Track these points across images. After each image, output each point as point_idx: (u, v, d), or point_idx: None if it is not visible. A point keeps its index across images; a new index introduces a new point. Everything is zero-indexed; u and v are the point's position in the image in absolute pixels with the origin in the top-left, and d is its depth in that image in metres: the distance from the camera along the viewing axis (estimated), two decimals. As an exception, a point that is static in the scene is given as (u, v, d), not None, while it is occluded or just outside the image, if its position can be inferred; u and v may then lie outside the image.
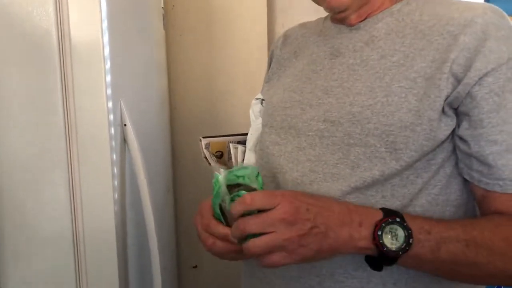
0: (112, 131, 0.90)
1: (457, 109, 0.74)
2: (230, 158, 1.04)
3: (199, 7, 1.78)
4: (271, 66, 1.02)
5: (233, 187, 0.70)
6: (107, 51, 0.87)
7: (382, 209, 0.71)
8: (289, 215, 0.65)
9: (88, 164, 0.89)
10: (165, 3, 1.71)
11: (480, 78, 0.71)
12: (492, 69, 0.71)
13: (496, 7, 0.76)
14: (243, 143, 1.01)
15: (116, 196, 0.92)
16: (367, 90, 0.77)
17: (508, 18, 0.76)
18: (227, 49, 1.79)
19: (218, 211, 0.72)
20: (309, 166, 0.80)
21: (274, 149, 0.86)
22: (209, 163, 1.06)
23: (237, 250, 0.74)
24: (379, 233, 0.67)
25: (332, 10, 0.85)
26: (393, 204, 0.75)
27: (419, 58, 0.76)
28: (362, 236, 0.68)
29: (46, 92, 0.86)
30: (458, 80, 0.72)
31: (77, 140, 0.88)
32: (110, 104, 0.88)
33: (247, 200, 0.66)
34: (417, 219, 0.71)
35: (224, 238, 0.73)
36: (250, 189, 0.69)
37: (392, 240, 0.68)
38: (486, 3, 0.78)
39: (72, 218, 0.90)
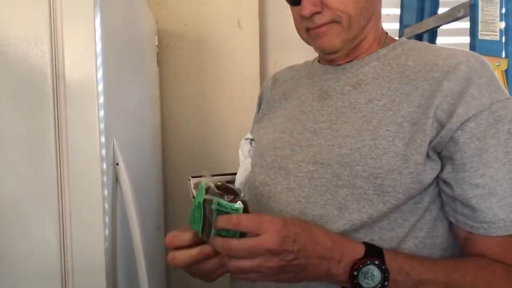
0: (104, 169, 0.90)
1: (440, 153, 0.76)
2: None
3: (192, 45, 1.81)
4: (261, 107, 1.04)
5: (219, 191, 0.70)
6: (101, 91, 0.88)
7: (365, 244, 0.72)
8: (275, 246, 0.65)
9: (79, 201, 0.89)
10: (159, 41, 1.74)
11: (462, 124, 0.73)
12: (474, 115, 0.73)
13: (478, 55, 0.80)
14: (232, 183, 1.01)
15: (107, 233, 0.92)
16: (355, 133, 0.79)
17: (489, 64, 0.79)
18: (220, 87, 1.82)
19: (199, 213, 0.71)
20: (299, 208, 0.80)
21: (264, 189, 0.86)
22: None
23: (213, 253, 0.73)
24: (355, 273, 0.69)
25: (323, 52, 0.87)
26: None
27: (405, 103, 0.78)
28: (339, 272, 0.70)
29: (39, 131, 0.86)
30: (441, 125, 0.74)
31: (69, 178, 0.88)
32: (102, 144, 0.88)
33: (233, 220, 0.66)
34: (399, 259, 0.72)
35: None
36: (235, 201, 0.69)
37: (367, 280, 0.69)
38: (468, 51, 0.81)
39: (61, 254, 0.89)
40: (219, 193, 0.69)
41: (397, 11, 1.85)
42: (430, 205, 0.78)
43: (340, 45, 0.84)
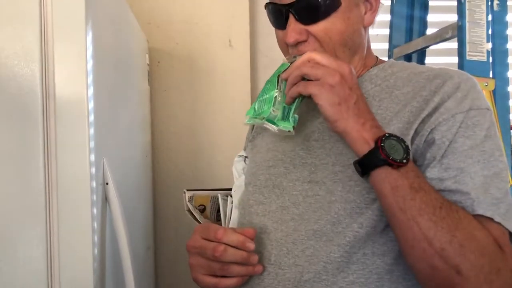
0: (94, 189, 0.89)
1: (416, 162, 0.77)
2: (214, 211, 1.04)
3: (184, 64, 1.82)
4: (255, 126, 1.04)
5: None
6: (91, 109, 0.87)
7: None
8: (345, 68, 0.74)
9: (68, 220, 0.88)
10: (150, 59, 1.74)
11: (433, 129, 0.75)
12: (444, 119, 0.75)
13: (463, 72, 0.82)
14: (227, 197, 1.01)
15: (96, 252, 0.91)
16: (348, 150, 0.80)
17: (475, 80, 0.81)
18: (211, 105, 1.82)
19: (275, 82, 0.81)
20: (293, 226, 0.81)
21: (259, 208, 0.86)
22: (194, 216, 1.05)
23: (245, 258, 0.75)
24: (386, 135, 0.71)
25: None
26: (375, 262, 0.76)
27: (395, 119, 0.80)
28: (371, 131, 0.73)
29: (28, 149, 0.86)
30: (417, 134, 0.77)
31: (58, 197, 0.87)
32: (92, 162, 0.88)
33: (309, 54, 0.75)
34: (415, 167, 0.73)
35: (242, 246, 0.76)
36: None
37: (392, 150, 0.70)
38: (455, 70, 0.83)
39: (48, 274, 0.87)
40: None
41: (386, 31, 1.87)
42: None
43: None
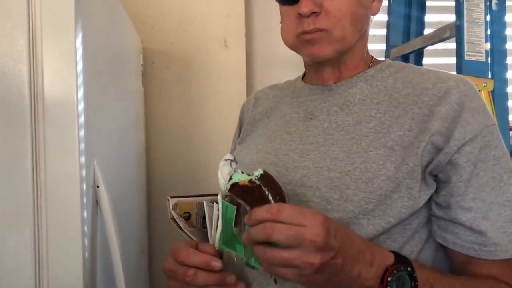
0: (84, 191, 0.87)
1: (437, 176, 0.76)
2: (200, 218, 1.01)
3: (178, 64, 1.80)
4: (243, 128, 1.02)
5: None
6: (81, 111, 0.86)
7: (393, 252, 0.70)
8: (320, 238, 0.61)
9: (57, 224, 0.86)
10: (144, 59, 1.72)
11: (459, 148, 0.74)
12: (469, 139, 0.74)
13: (466, 79, 0.81)
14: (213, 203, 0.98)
15: (86, 256, 0.89)
16: (344, 155, 0.78)
17: (477, 90, 0.80)
18: (206, 106, 1.80)
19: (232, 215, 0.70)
20: None
21: None
22: (178, 226, 1.02)
23: (219, 280, 0.72)
24: (389, 279, 0.66)
25: (313, 60, 0.84)
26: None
27: (395, 126, 0.77)
28: (371, 276, 0.67)
29: (15, 151, 0.84)
30: (438, 149, 0.74)
31: (46, 200, 0.85)
32: (82, 165, 0.86)
33: (273, 209, 0.62)
34: (424, 270, 0.70)
35: (207, 267, 0.72)
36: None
37: (399, 286, 0.67)
38: (456, 75, 0.83)
39: (36, 281, 0.86)
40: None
41: (383, 31, 1.87)
42: (419, 227, 0.77)
43: (331, 54, 0.81)
